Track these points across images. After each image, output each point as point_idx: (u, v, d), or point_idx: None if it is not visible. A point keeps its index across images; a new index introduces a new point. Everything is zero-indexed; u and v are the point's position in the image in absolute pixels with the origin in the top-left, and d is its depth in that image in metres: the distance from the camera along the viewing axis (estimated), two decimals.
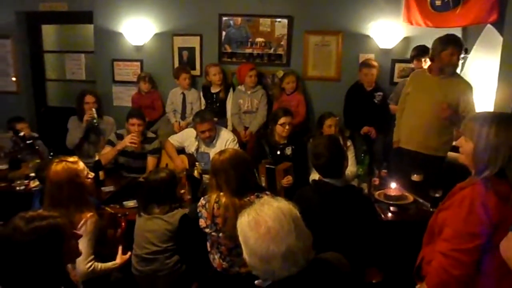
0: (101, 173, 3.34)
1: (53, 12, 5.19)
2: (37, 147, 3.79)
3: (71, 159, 2.34)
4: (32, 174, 3.40)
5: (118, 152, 3.75)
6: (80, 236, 1.69)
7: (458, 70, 3.59)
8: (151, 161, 3.85)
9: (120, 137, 3.86)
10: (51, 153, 3.67)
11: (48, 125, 5.45)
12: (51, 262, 1.47)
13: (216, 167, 2.35)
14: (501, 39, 3.69)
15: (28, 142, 3.66)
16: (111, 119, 4.40)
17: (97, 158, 3.43)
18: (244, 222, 1.39)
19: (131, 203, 3.05)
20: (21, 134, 3.69)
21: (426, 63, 4.00)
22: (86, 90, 4.38)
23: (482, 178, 1.61)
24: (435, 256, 1.60)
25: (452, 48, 3.32)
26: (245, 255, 1.40)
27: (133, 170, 3.83)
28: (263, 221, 1.35)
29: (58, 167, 2.26)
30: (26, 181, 3.41)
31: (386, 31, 4.59)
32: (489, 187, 1.58)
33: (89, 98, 4.21)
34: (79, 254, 1.65)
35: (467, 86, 3.38)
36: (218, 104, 4.75)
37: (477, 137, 1.65)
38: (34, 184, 3.32)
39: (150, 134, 4.00)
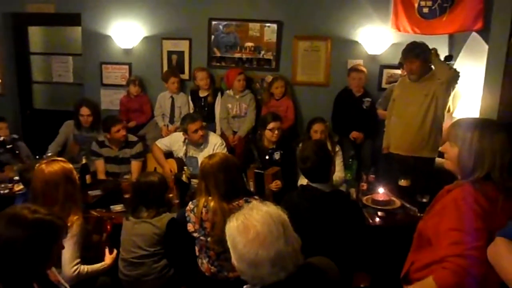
0: (87, 177, 3.31)
1: (40, 13, 5.14)
2: (17, 152, 3.70)
3: (61, 158, 2.33)
4: (16, 178, 3.34)
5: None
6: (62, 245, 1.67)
7: None
8: (135, 165, 3.82)
9: (101, 144, 3.83)
10: (37, 156, 3.62)
11: (34, 127, 5.37)
12: (39, 259, 1.45)
13: (205, 171, 2.35)
14: (486, 46, 3.74)
15: (8, 146, 3.57)
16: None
17: (84, 161, 3.39)
18: (233, 227, 1.38)
19: (118, 207, 3.03)
20: (0, 139, 3.60)
21: None
22: (83, 101, 4.31)
23: (469, 180, 1.62)
24: (444, 260, 1.56)
25: (410, 57, 3.50)
26: (234, 260, 1.39)
27: (117, 176, 3.80)
28: (251, 226, 1.34)
29: (54, 166, 2.25)
30: (10, 185, 3.35)
31: (375, 37, 4.63)
32: (477, 188, 1.59)
33: (84, 111, 4.14)
34: (58, 260, 1.64)
35: (441, 68, 3.50)
36: (206, 109, 4.74)
37: (462, 142, 1.66)
38: (18, 187, 3.27)
39: (132, 138, 3.96)
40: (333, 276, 1.48)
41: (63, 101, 5.51)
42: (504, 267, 1.34)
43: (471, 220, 1.55)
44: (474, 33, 3.96)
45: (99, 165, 3.81)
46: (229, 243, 1.40)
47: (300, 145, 3.25)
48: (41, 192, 2.22)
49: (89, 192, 3.24)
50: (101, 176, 3.76)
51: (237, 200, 2.32)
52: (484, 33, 3.73)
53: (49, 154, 3.43)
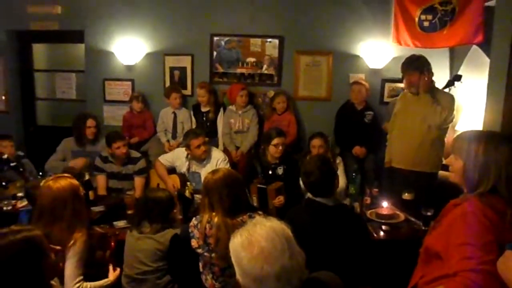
0: (91, 193, 3.30)
1: (44, 31, 5.20)
2: (21, 169, 3.69)
3: (67, 174, 2.34)
4: (20, 194, 3.34)
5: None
6: (59, 250, 1.65)
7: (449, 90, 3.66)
8: (138, 181, 3.81)
9: (105, 160, 3.84)
10: (40, 173, 3.62)
11: (37, 144, 5.39)
12: (33, 277, 1.41)
13: (209, 186, 2.34)
14: (487, 59, 3.77)
15: (12, 164, 3.55)
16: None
17: (87, 177, 3.39)
18: (237, 243, 1.37)
19: (121, 223, 3.01)
20: (5, 156, 3.55)
21: None
22: (87, 114, 4.30)
23: (476, 194, 1.61)
24: (456, 275, 1.54)
25: (409, 70, 3.51)
26: (238, 276, 1.38)
27: (120, 192, 3.79)
28: (256, 241, 1.33)
29: (62, 182, 2.25)
30: (14, 201, 3.35)
31: (376, 51, 4.67)
32: (484, 201, 1.58)
33: (90, 122, 4.14)
34: (60, 269, 1.61)
35: (446, 96, 3.49)
36: (208, 124, 4.76)
37: (467, 155, 1.66)
38: (22, 204, 3.26)
39: (135, 154, 3.95)
40: None
41: (67, 117, 5.52)
42: None
43: (481, 233, 1.53)
44: (474, 46, 3.99)
45: (100, 180, 3.81)
46: (233, 259, 1.39)
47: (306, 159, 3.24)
48: (49, 209, 2.20)
49: (92, 208, 3.22)
50: (102, 191, 3.74)
51: (241, 215, 2.32)
52: (485, 46, 3.77)
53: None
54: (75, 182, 2.34)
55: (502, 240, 1.52)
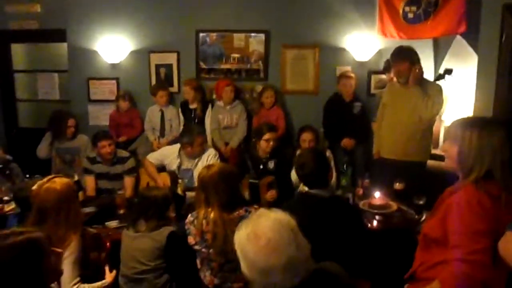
0: (80, 194, 3.23)
1: (24, 30, 5.08)
2: (7, 172, 3.63)
3: (62, 175, 2.30)
4: (6, 198, 3.26)
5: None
6: (60, 253, 1.62)
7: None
8: (128, 181, 3.76)
9: (93, 161, 3.78)
10: (27, 175, 3.54)
11: (20, 146, 5.26)
12: (33, 280, 1.38)
13: (204, 181, 2.33)
14: (470, 49, 3.85)
15: None
16: (85, 137, 4.32)
17: (76, 178, 3.33)
18: (243, 235, 1.36)
19: (113, 224, 2.96)
20: None
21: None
22: (68, 113, 4.35)
23: (472, 180, 1.64)
24: (449, 264, 1.57)
25: (398, 60, 3.54)
26: (244, 269, 1.36)
27: (109, 192, 3.73)
28: (262, 233, 1.32)
29: (55, 184, 2.19)
30: (0, 205, 3.26)
31: (362, 44, 4.70)
32: (480, 187, 1.60)
33: (71, 122, 4.19)
34: (60, 272, 1.57)
35: (434, 87, 3.52)
36: (196, 121, 4.72)
37: (461, 141, 1.68)
38: (9, 207, 3.18)
39: (123, 153, 3.90)
40: (345, 280, 1.46)
41: None
42: None
43: (473, 222, 1.56)
44: (458, 37, 4.05)
45: (89, 181, 3.75)
46: (238, 252, 1.38)
47: (298, 152, 3.25)
48: (54, 210, 2.14)
49: (82, 209, 3.16)
50: (91, 193, 3.69)
51: (237, 210, 2.31)
52: (468, 35, 3.82)
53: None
54: (70, 183, 2.30)
55: (498, 225, 1.55)
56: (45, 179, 2.24)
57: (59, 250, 1.60)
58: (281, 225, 1.35)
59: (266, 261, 1.30)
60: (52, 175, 2.32)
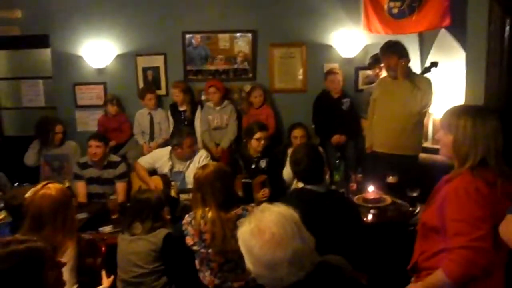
0: (72, 200, 3.17)
1: (4, 36, 4.97)
2: None
3: (52, 181, 2.25)
4: None
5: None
6: (64, 264, 1.58)
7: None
8: (120, 186, 3.71)
9: (83, 166, 3.74)
10: (16, 184, 3.47)
11: (6, 155, 5.15)
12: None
13: (200, 181, 2.32)
14: (455, 42, 3.91)
15: None
16: (73, 143, 4.28)
17: (67, 185, 3.27)
18: (246, 231, 1.35)
19: (107, 229, 2.93)
20: None
21: (381, 70, 4.15)
22: (55, 119, 4.33)
23: (468, 168, 1.65)
24: (450, 252, 1.59)
25: (388, 53, 3.59)
26: (250, 264, 1.35)
27: (102, 196, 3.69)
28: (266, 228, 1.32)
29: (57, 187, 2.16)
30: None
31: (348, 40, 4.73)
32: (476, 175, 1.62)
33: (59, 128, 4.15)
34: (63, 284, 1.53)
35: (424, 81, 3.57)
36: (186, 123, 4.69)
37: (455, 129, 1.70)
38: (0, 216, 3.11)
39: (114, 158, 3.86)
40: (349, 272, 1.47)
41: None
42: None
43: (472, 209, 1.58)
44: (443, 30, 4.10)
45: (80, 187, 3.70)
46: (243, 248, 1.37)
47: (289, 150, 3.25)
48: (51, 217, 2.09)
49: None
50: (82, 199, 3.64)
51: (234, 208, 2.30)
52: (452, 29, 3.88)
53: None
54: (64, 189, 2.26)
55: (497, 209, 1.57)
56: (39, 186, 2.19)
57: (63, 261, 1.56)
58: (285, 219, 1.34)
59: (271, 255, 1.29)
60: (46, 182, 2.27)
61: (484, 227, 1.55)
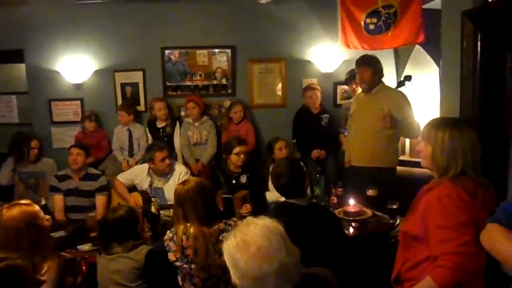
0: (49, 218, 3.08)
1: None
2: None
3: (24, 201, 2.13)
4: None
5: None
6: (43, 282, 1.53)
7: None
8: (100, 200, 3.65)
9: (61, 178, 3.66)
10: None
11: None
12: None
13: (181, 197, 2.28)
14: (428, 57, 4.04)
15: None
16: (49, 160, 4.21)
17: (43, 202, 3.18)
18: (231, 245, 1.34)
19: (86, 247, 2.84)
20: None
21: (358, 85, 4.23)
22: (31, 134, 4.25)
23: (449, 178, 1.69)
24: (437, 259, 1.60)
25: (363, 66, 3.65)
26: (236, 279, 1.34)
27: (79, 210, 3.60)
28: (252, 241, 1.31)
29: (13, 211, 2.03)
30: None
31: (326, 56, 4.82)
32: (457, 183, 1.66)
33: (35, 144, 4.08)
34: None
35: (397, 94, 3.64)
36: (166, 139, 4.65)
37: (435, 141, 1.74)
38: None
39: (93, 171, 3.82)
40: (335, 284, 1.46)
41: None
42: (500, 249, 1.39)
43: (456, 215, 1.61)
44: (417, 46, 4.24)
45: (57, 200, 3.60)
46: (228, 262, 1.35)
47: (272, 165, 3.25)
48: (16, 239, 1.99)
49: (51, 234, 3.01)
50: (59, 216, 3.53)
51: (216, 223, 2.28)
52: (426, 45, 4.01)
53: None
54: (30, 209, 2.11)
55: (477, 218, 1.60)
56: (5, 205, 2.10)
57: (43, 278, 1.51)
58: (270, 232, 1.34)
59: (258, 268, 1.28)
60: (13, 202, 2.17)
61: (469, 233, 1.58)
